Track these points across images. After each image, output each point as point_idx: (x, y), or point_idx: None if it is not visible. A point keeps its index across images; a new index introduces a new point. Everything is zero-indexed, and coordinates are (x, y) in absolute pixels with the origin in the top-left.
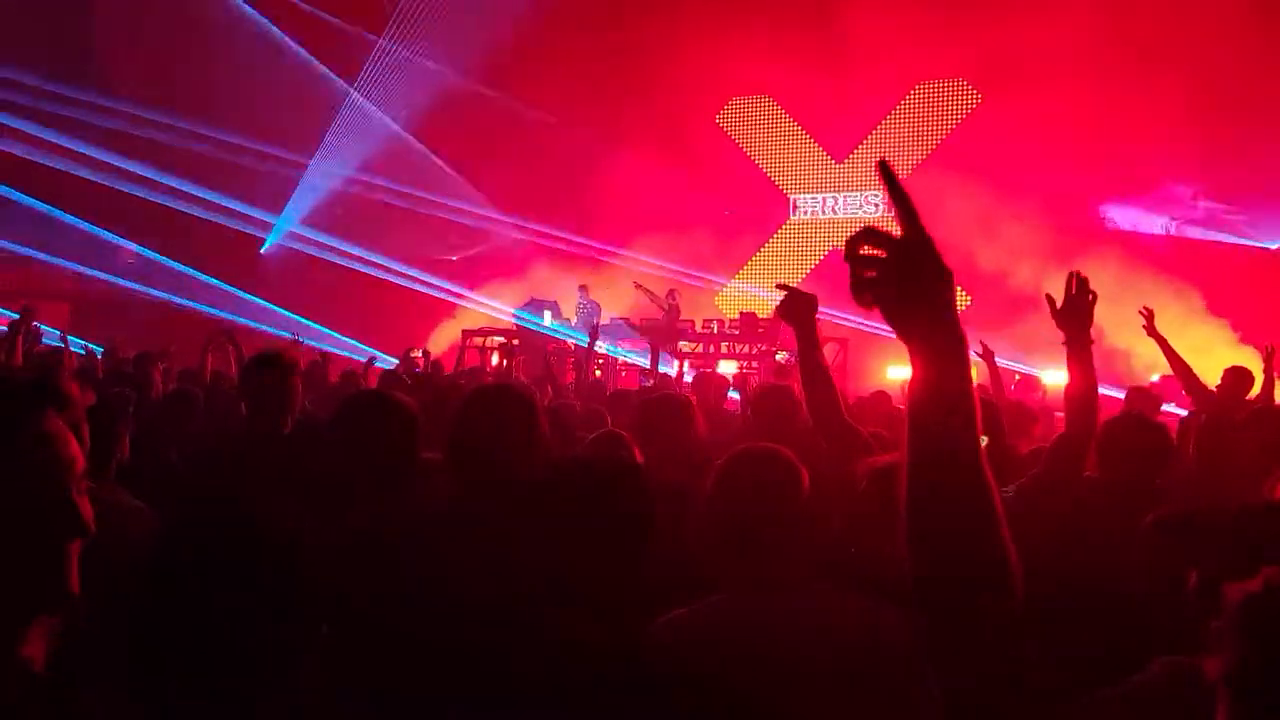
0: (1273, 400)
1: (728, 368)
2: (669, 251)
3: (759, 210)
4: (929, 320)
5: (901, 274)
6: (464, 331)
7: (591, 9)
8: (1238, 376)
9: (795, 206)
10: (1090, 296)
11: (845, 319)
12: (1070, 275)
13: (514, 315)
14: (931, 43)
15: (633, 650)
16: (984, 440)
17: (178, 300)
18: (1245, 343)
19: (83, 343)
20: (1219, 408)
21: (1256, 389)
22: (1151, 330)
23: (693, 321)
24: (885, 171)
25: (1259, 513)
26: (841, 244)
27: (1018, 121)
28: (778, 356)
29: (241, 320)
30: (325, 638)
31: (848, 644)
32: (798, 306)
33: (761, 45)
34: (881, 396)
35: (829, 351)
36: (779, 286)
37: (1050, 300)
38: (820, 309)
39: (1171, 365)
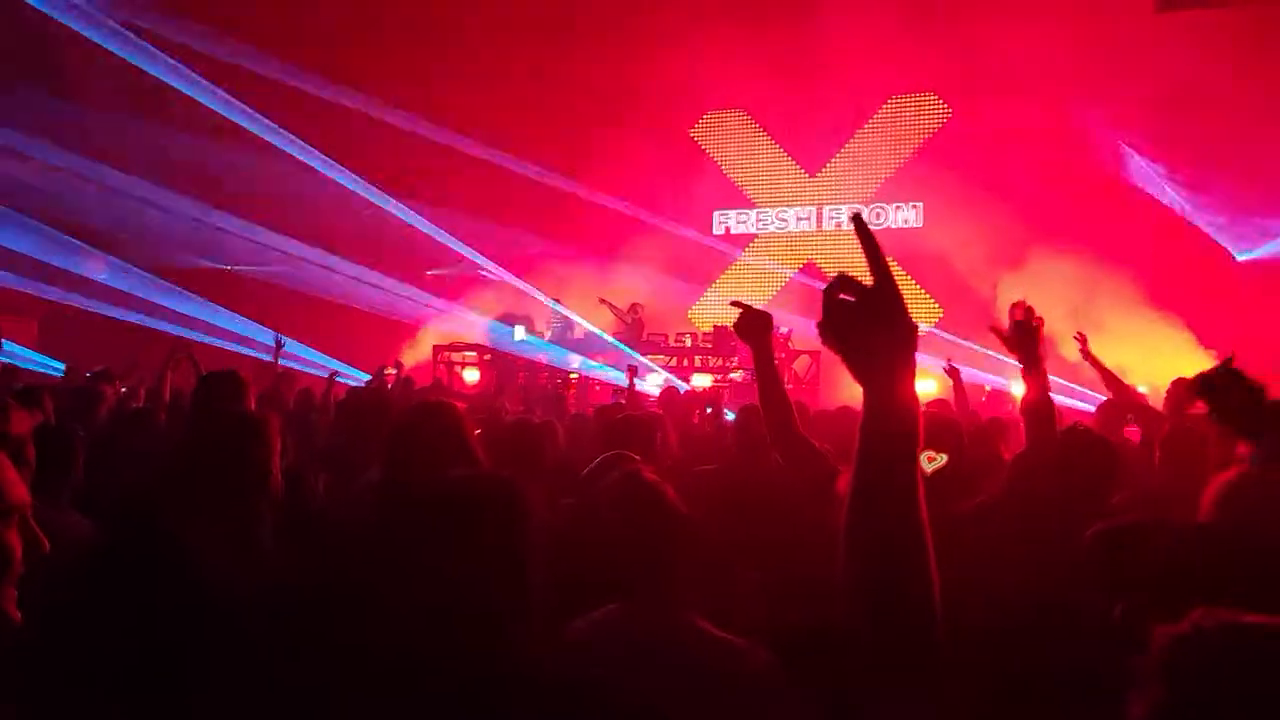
0: None
1: (701, 381)
2: (644, 264)
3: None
4: (884, 367)
5: (866, 321)
6: (435, 347)
7: (564, 25)
8: (1180, 389)
9: (769, 219)
10: (1036, 321)
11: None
12: (1013, 306)
13: (487, 330)
14: (902, 57)
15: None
16: (942, 459)
17: (147, 319)
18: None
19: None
20: (1164, 421)
21: None
22: (1087, 354)
23: (666, 335)
24: (859, 223)
25: (1191, 535)
26: (814, 256)
27: (988, 133)
28: (733, 375)
29: (211, 339)
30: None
31: (695, 669)
32: (753, 324)
33: (735, 60)
34: (846, 412)
35: (800, 365)
36: (733, 304)
37: (996, 331)
38: (795, 323)
39: (1108, 387)
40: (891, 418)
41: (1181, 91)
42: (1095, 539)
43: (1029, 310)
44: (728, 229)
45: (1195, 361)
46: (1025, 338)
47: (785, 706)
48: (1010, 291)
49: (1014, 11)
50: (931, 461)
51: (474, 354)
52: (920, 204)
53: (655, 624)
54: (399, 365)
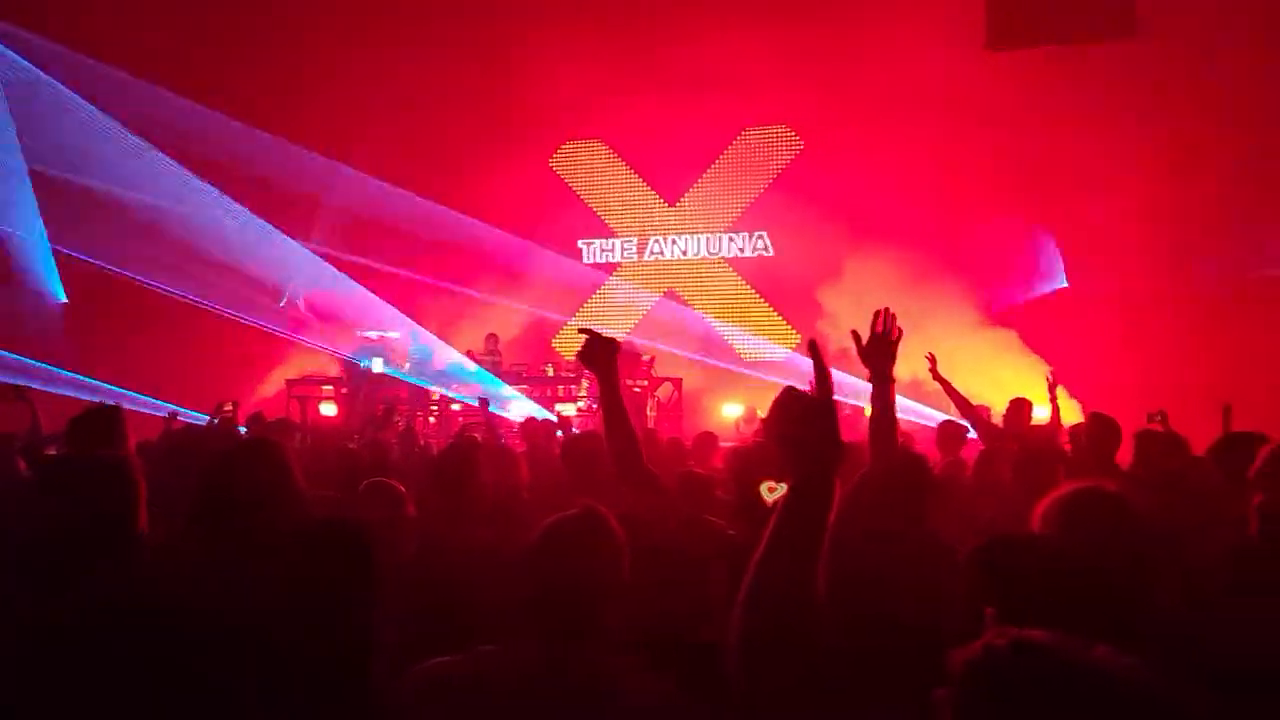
0: (1061, 425)
1: (566, 410)
2: (508, 293)
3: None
4: (813, 463)
5: (805, 428)
6: (287, 381)
7: (423, 55)
8: (1018, 407)
9: (632, 248)
10: (895, 334)
11: (681, 353)
12: (876, 313)
13: (343, 362)
14: (755, 90)
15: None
16: (783, 488)
17: None
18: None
19: None
20: (1006, 438)
21: (1047, 416)
22: (936, 374)
23: (527, 365)
24: (814, 350)
25: (1001, 545)
26: (675, 286)
27: (835, 161)
28: (593, 404)
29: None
30: None
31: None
32: (598, 351)
33: (592, 90)
34: (708, 437)
35: (664, 392)
36: (581, 331)
37: (856, 337)
38: (656, 348)
39: (956, 404)
40: (812, 500)
41: (1011, 123)
42: (972, 554)
43: (891, 318)
44: (594, 259)
45: (1024, 371)
46: (882, 351)
47: None
48: (831, 301)
49: (858, 47)
50: (773, 491)
51: (330, 387)
52: (765, 233)
53: (583, 666)
54: (235, 404)
